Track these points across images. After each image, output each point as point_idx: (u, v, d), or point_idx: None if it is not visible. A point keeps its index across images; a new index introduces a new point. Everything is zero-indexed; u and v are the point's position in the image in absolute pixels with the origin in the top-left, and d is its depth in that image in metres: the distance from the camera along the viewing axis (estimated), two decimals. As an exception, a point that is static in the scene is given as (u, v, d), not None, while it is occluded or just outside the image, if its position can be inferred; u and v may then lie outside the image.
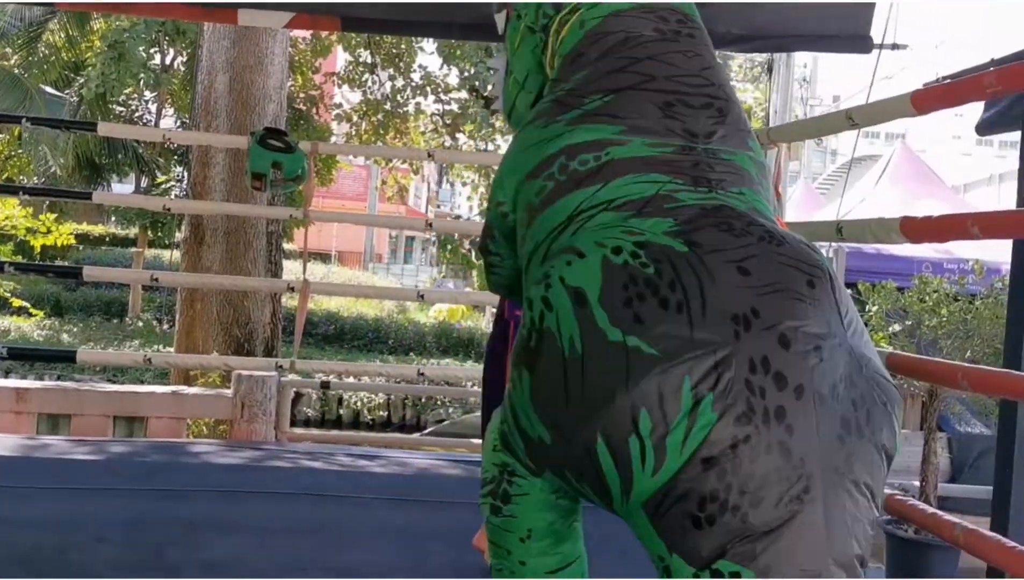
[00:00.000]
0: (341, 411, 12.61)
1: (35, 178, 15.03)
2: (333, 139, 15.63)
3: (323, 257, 23.03)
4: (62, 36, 13.93)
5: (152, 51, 13.59)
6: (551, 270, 1.39)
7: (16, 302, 9.73)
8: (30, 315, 9.67)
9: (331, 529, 2.85)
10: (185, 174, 14.23)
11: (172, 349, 7.83)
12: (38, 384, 4.72)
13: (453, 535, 2.68)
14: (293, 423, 11.66)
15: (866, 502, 1.25)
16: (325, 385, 4.71)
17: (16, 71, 14.73)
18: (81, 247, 18.63)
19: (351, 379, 6.11)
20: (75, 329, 14.67)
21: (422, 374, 3.89)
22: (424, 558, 2.63)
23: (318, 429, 11.35)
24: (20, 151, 15.09)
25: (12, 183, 13.74)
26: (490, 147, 13.34)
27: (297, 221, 4.36)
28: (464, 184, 16.34)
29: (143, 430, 4.37)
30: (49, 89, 14.72)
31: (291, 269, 18.46)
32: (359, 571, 2.46)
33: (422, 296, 4.86)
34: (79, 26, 13.53)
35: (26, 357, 7.75)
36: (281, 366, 4.04)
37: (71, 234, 10.06)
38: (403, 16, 3.74)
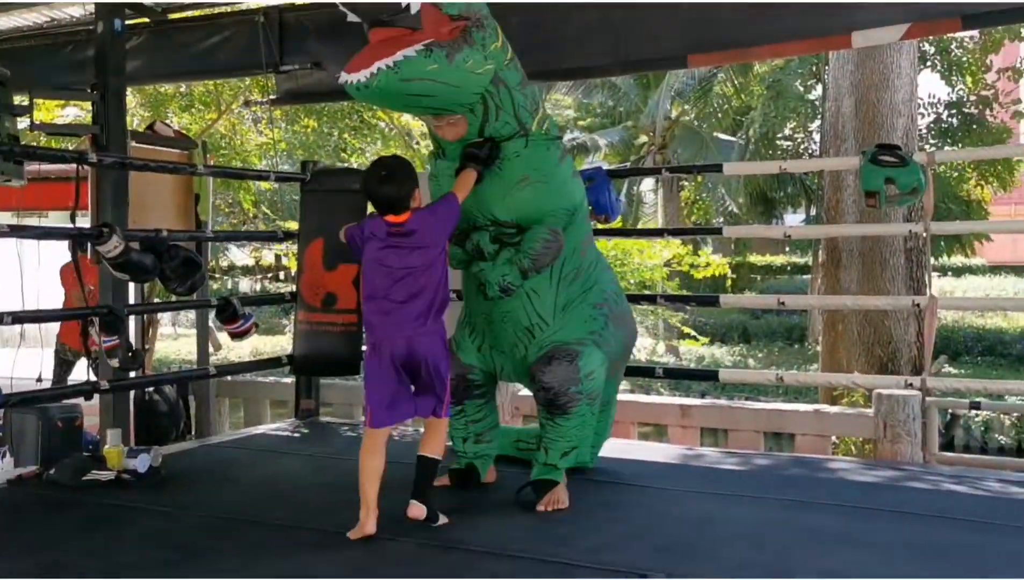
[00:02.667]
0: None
1: (717, 217, 16.61)
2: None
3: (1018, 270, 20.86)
4: (729, 86, 15.15)
5: (810, 83, 14.02)
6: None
7: (686, 330, 10.99)
8: (696, 340, 10.91)
9: (960, 554, 2.72)
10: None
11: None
12: (699, 402, 5.28)
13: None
14: (984, 450, 10.80)
15: None
16: (975, 405, 4.39)
17: (694, 124, 16.50)
18: (759, 277, 19.88)
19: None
20: (760, 354, 15.70)
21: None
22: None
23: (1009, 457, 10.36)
24: (704, 195, 16.84)
25: (700, 224, 15.43)
26: None
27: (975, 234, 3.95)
28: None
29: (791, 446, 4.63)
30: (722, 135, 16.18)
31: (972, 284, 17.18)
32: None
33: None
34: (743, 74, 14.61)
35: (676, 376, 8.41)
36: (911, 384, 3.93)
37: (725, 265, 11.00)
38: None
